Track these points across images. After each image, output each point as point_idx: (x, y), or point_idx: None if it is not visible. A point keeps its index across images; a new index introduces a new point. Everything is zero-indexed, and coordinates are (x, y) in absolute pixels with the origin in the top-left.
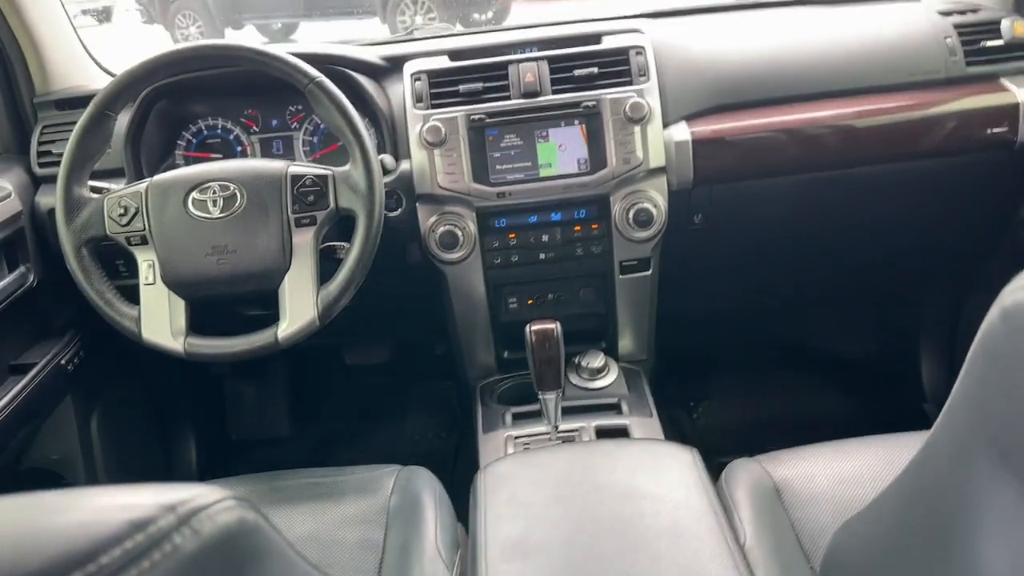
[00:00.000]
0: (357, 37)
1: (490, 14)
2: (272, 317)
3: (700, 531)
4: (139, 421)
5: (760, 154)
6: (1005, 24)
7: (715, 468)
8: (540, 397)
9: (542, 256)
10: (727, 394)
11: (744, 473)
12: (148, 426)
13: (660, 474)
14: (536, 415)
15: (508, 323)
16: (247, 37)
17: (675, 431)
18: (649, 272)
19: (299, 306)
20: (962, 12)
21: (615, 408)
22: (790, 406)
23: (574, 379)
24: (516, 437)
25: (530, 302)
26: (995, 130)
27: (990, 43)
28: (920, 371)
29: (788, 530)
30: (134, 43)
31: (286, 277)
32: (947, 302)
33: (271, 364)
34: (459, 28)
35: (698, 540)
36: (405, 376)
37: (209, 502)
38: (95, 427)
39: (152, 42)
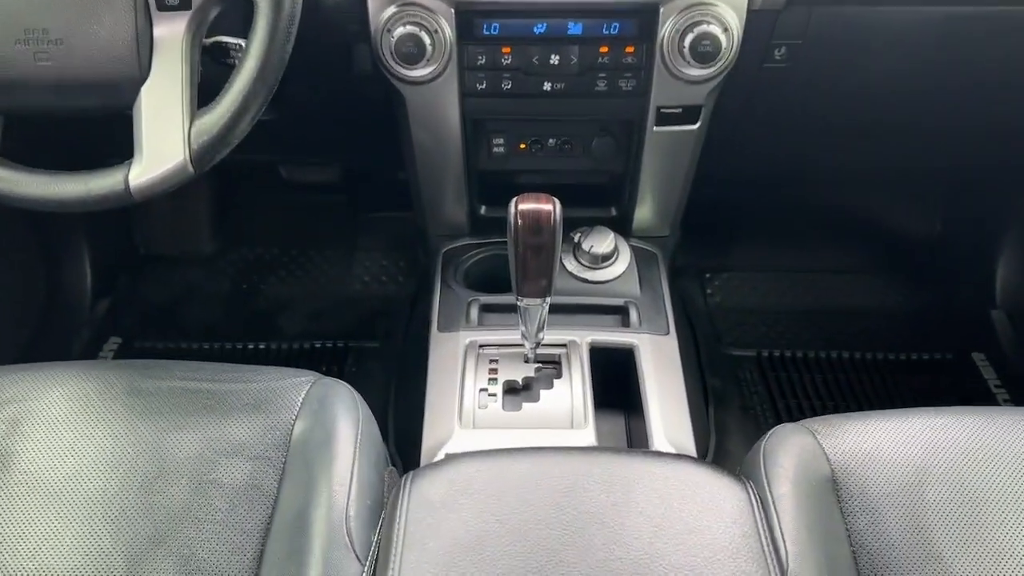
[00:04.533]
0: None
1: None
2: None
3: None
4: (13, 239)
5: None
6: None
7: (721, 360)
8: (519, 304)
9: (547, 87)
10: (749, 269)
11: (791, 450)
12: (26, 243)
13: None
14: (512, 309)
15: (489, 172)
16: None
17: (682, 309)
18: (696, 126)
19: (161, 140)
20: None
21: (622, 312)
22: (822, 297)
23: (570, 265)
24: (480, 345)
25: (522, 146)
26: None
27: None
28: (995, 271)
29: (844, 545)
30: None
31: (142, 91)
32: None
33: None
34: None
35: None
36: (358, 199)
37: None
38: None
39: None
